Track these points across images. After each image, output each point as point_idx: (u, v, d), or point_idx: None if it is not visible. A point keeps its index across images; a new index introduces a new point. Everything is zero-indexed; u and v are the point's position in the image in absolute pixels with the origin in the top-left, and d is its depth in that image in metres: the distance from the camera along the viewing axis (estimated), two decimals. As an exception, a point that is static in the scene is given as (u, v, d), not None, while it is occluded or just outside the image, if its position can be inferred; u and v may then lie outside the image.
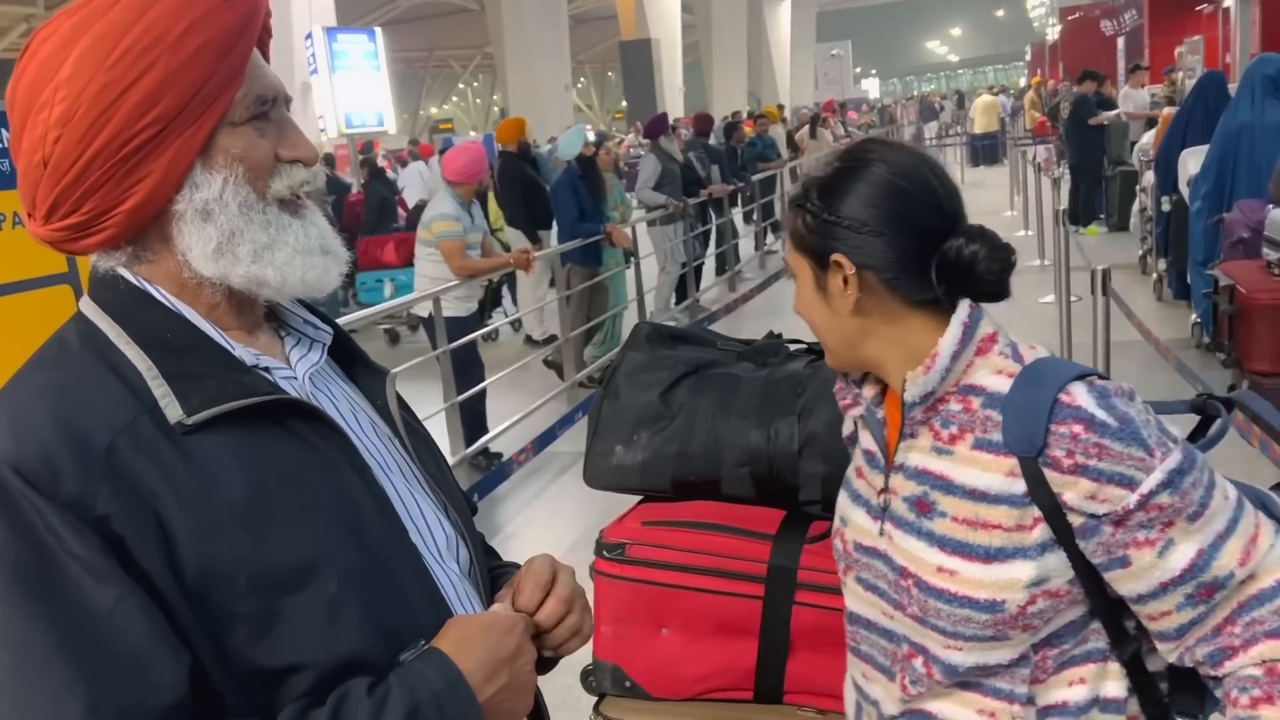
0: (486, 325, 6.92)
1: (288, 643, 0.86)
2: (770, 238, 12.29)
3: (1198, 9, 16.37)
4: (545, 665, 1.05)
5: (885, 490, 1.22)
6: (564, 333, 6.73)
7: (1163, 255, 7.36)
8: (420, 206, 8.81)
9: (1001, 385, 1.13)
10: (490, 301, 8.06)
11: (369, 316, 5.27)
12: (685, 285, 9.17)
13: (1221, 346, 5.13)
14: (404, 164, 15.46)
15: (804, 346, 1.80)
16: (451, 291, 5.29)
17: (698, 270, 9.55)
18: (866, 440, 1.28)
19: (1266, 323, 4.54)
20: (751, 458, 1.62)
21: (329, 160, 12.97)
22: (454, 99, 61.61)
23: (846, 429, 1.37)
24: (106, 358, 0.90)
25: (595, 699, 1.68)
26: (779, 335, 1.89)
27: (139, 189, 0.90)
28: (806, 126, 15.42)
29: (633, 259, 7.73)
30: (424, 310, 5.38)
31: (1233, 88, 6.67)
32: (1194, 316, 6.09)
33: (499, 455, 5.53)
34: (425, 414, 4.10)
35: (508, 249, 6.99)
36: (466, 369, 5.35)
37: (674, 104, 27.55)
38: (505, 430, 5.65)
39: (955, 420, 1.15)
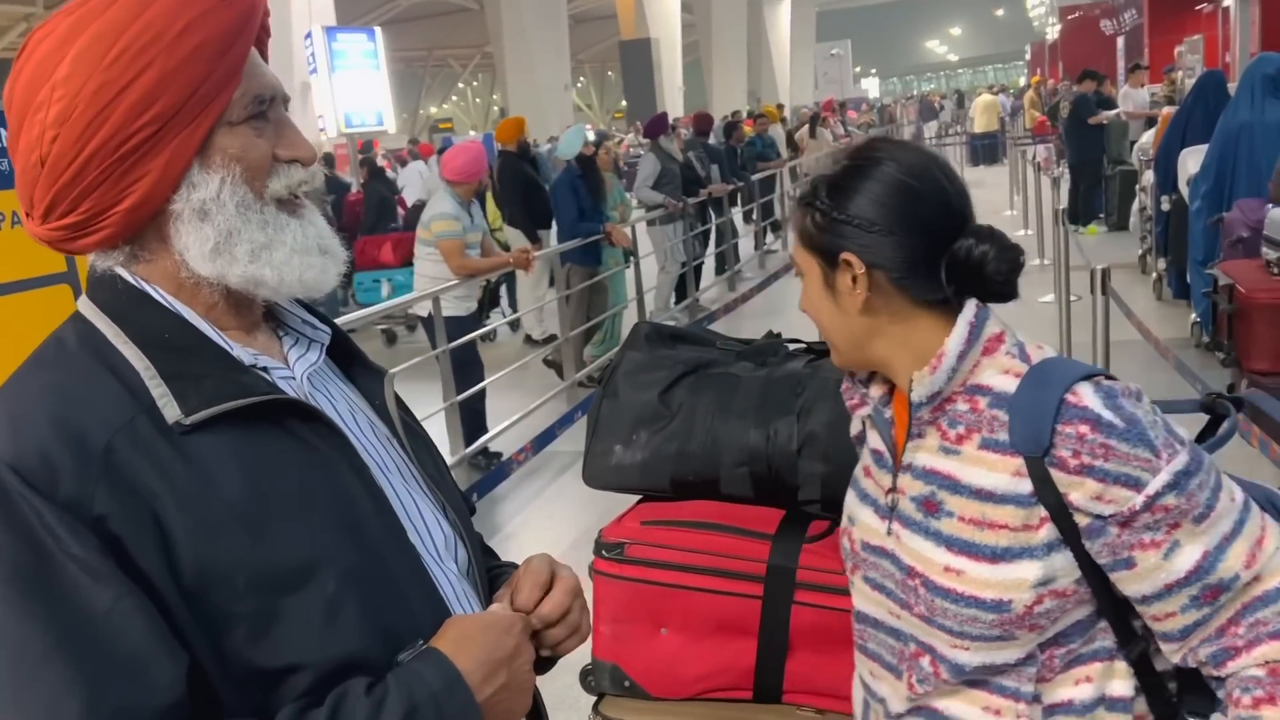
0: (484, 326, 6.91)
1: (286, 643, 0.86)
2: (770, 237, 12.28)
3: (1197, 8, 16.37)
4: (544, 665, 1.05)
5: (893, 490, 1.22)
6: (563, 332, 6.73)
7: (1162, 255, 7.36)
8: (419, 206, 8.81)
9: (1008, 385, 1.13)
10: (488, 302, 8.06)
11: (367, 316, 5.26)
12: (685, 285, 9.16)
13: (1221, 346, 5.13)
14: (403, 163, 15.43)
15: (803, 346, 1.80)
16: (451, 291, 5.29)
17: (697, 270, 9.55)
18: (874, 440, 1.28)
19: (1266, 322, 4.54)
20: (750, 457, 1.62)
21: (328, 160, 12.99)
22: (453, 98, 61.60)
23: (854, 428, 1.37)
24: (104, 357, 0.90)
25: (594, 699, 1.68)
26: (778, 335, 1.89)
27: (136, 188, 0.90)
28: (806, 126, 15.42)
29: (632, 258, 7.73)
30: (423, 310, 5.38)
31: (1232, 87, 6.68)
32: (1193, 316, 6.09)
33: (498, 455, 5.53)
34: (425, 413, 4.10)
35: (507, 249, 6.99)
36: (466, 368, 5.36)
37: (674, 103, 27.55)
38: (505, 430, 5.65)
39: (962, 420, 1.15)
